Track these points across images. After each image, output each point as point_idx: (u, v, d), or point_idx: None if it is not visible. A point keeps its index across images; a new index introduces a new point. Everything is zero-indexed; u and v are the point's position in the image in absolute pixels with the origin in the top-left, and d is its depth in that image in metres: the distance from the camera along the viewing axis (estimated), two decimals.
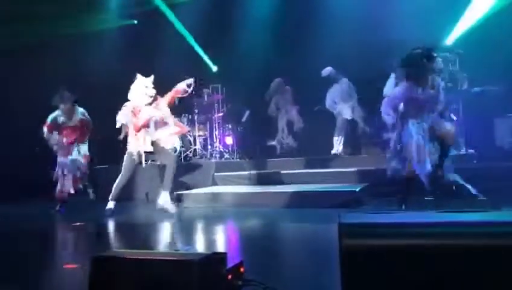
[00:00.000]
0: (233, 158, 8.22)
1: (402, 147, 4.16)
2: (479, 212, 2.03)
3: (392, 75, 6.72)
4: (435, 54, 4.16)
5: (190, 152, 8.23)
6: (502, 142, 6.34)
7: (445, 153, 4.24)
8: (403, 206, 4.24)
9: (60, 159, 5.78)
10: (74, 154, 5.81)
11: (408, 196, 4.28)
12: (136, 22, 9.60)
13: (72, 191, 5.78)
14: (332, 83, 7.38)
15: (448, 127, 4.25)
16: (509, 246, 1.49)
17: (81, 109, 5.90)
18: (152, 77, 5.25)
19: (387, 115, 4.24)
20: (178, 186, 6.48)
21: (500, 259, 1.49)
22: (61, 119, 5.77)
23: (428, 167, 4.05)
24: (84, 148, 5.96)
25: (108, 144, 6.09)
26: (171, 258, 1.67)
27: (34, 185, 6.78)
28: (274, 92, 7.98)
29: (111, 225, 4.88)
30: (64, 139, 5.78)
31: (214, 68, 10.02)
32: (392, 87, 6.66)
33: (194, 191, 6.26)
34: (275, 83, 7.96)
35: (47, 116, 5.82)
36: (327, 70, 7.31)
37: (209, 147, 8.43)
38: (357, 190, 5.19)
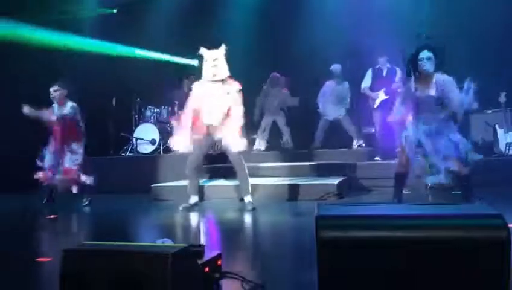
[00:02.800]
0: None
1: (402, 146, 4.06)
2: (452, 205, 2.07)
3: (369, 70, 6.78)
4: (422, 55, 3.84)
5: (169, 144, 8.14)
6: (476, 137, 6.48)
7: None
8: (395, 200, 4.03)
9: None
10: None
11: (398, 191, 4.10)
12: (115, 11, 9.38)
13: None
14: (331, 79, 7.14)
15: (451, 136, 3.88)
16: (478, 238, 1.52)
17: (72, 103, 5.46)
18: (223, 47, 4.45)
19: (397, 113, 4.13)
20: (155, 179, 6.40)
21: (471, 251, 1.52)
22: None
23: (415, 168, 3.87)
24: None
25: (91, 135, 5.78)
26: (144, 250, 1.64)
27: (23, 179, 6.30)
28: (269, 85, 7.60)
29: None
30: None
31: (195, 62, 9.83)
32: (368, 82, 6.72)
33: (171, 183, 6.20)
34: (270, 78, 7.53)
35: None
36: (337, 68, 7.05)
37: None
38: (336, 182, 5.24)
